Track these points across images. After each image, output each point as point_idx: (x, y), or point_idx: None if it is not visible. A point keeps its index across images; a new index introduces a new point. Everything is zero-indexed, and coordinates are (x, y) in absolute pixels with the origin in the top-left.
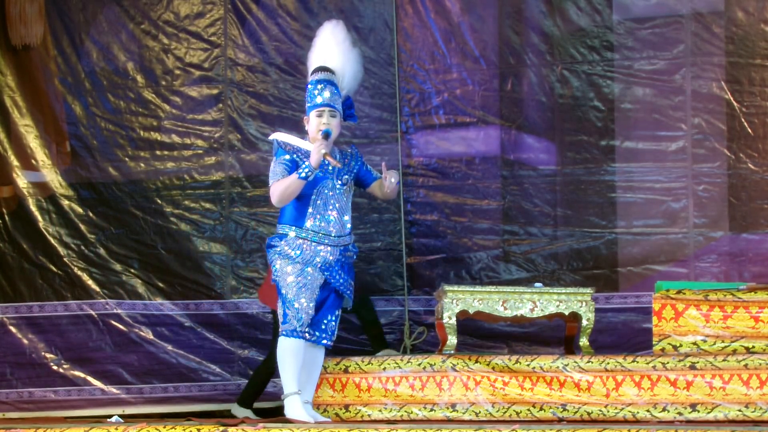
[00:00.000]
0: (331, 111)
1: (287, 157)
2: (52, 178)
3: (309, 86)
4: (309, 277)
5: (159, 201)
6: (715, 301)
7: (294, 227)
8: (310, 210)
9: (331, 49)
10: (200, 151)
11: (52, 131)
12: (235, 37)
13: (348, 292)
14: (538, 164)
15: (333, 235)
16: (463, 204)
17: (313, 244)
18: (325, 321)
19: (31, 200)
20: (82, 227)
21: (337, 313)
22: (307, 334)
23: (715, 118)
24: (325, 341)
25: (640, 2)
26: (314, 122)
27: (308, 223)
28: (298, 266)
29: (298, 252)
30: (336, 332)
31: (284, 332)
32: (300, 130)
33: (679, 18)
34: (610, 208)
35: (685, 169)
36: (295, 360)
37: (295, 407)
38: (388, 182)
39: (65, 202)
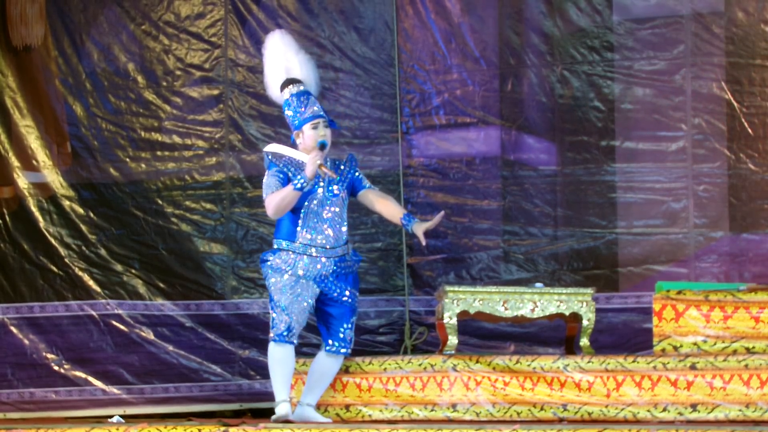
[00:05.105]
0: (324, 122)
1: (278, 169)
2: (53, 178)
3: (290, 101)
4: (301, 288)
5: (160, 201)
6: (716, 302)
7: (286, 241)
8: (300, 223)
9: (290, 59)
10: (201, 152)
11: (53, 132)
12: (235, 37)
13: (348, 300)
14: (538, 164)
15: (327, 247)
16: (464, 204)
17: (305, 257)
18: (342, 329)
19: (31, 201)
20: (83, 228)
21: (352, 320)
22: (295, 340)
23: (715, 118)
24: (343, 350)
25: (640, 2)
26: (310, 135)
27: (300, 237)
28: (292, 278)
29: (291, 265)
30: (353, 339)
31: (273, 339)
32: None
33: (679, 18)
34: (610, 208)
35: (685, 169)
36: (283, 367)
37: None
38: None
39: (66, 203)
